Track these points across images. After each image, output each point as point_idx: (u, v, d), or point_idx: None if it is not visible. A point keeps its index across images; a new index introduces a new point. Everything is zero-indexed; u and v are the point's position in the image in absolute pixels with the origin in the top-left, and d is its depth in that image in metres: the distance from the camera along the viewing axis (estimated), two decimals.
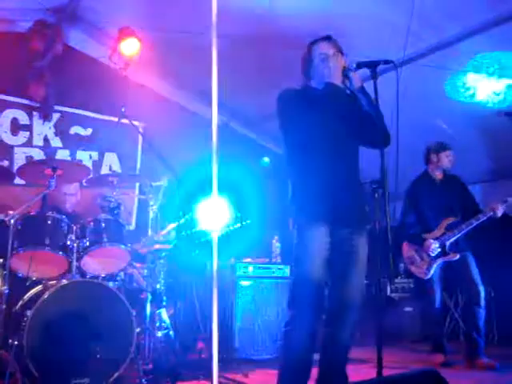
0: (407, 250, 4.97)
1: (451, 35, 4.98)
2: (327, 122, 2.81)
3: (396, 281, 6.67)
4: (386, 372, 2.42)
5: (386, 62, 2.73)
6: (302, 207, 2.86)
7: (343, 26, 4.49)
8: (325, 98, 2.80)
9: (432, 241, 4.74)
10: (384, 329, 2.71)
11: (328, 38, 2.98)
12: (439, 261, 4.75)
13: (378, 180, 2.51)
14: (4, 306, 3.40)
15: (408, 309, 6.52)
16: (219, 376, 3.93)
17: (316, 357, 2.88)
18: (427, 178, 5.05)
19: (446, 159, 4.97)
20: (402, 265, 6.87)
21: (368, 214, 2.90)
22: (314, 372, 2.89)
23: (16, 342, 3.40)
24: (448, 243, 4.72)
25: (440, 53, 5.17)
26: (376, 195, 2.51)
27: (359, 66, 2.79)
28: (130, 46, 5.60)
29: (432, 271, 4.76)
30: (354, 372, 2.96)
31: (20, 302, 3.73)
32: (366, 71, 2.77)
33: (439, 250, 4.73)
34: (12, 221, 3.56)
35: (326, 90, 2.80)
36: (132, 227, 5.81)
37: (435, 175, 5.02)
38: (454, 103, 5.64)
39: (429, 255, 4.76)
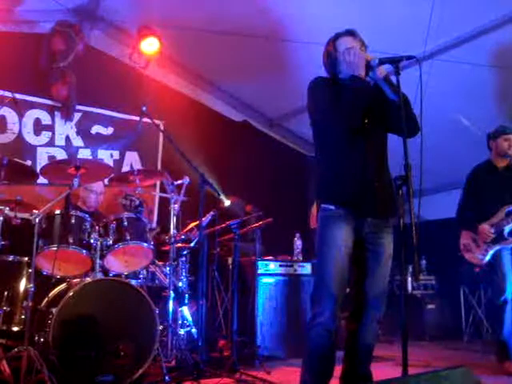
0: (464, 237, 4.78)
1: (472, 29, 4.93)
2: (354, 113, 2.79)
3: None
4: (410, 370, 2.40)
5: (409, 57, 2.69)
6: (328, 199, 2.85)
7: (364, 22, 4.49)
8: (351, 90, 2.78)
9: (486, 226, 4.53)
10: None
11: (350, 32, 2.96)
12: (497, 247, 4.50)
13: (402, 176, 2.48)
14: (30, 304, 3.45)
15: (430, 306, 6.46)
16: (241, 373, 3.98)
17: (340, 354, 2.88)
18: (489, 165, 4.80)
19: (504, 144, 4.65)
20: (423, 261, 6.84)
21: (396, 207, 2.87)
22: (338, 370, 2.88)
23: (42, 339, 3.46)
24: (507, 228, 4.48)
25: (461, 47, 5.12)
26: (400, 192, 2.49)
27: (382, 62, 2.76)
28: (150, 45, 5.66)
29: (488, 256, 4.53)
30: (377, 370, 2.94)
31: (45, 300, 3.77)
32: (387, 66, 2.76)
33: (494, 235, 4.50)
34: (37, 220, 3.60)
35: (351, 82, 2.79)
36: (154, 225, 5.83)
37: (497, 162, 4.75)
38: (474, 99, 5.59)
39: (484, 241, 4.56)
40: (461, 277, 6.28)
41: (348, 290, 2.92)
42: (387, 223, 2.88)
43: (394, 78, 2.70)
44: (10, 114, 5.41)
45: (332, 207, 2.81)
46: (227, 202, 5.71)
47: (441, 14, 4.72)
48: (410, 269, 6.13)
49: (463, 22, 4.88)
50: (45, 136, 5.66)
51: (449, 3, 4.62)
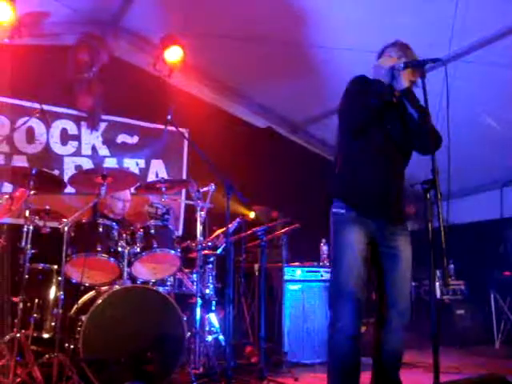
0: None
1: (497, 29, 4.87)
2: (371, 114, 2.81)
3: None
4: (441, 378, 2.35)
5: (434, 60, 2.68)
6: (340, 203, 2.84)
7: (388, 25, 4.48)
8: (373, 94, 2.78)
9: None
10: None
11: (394, 43, 2.98)
12: None
13: (429, 180, 2.45)
14: (60, 311, 3.49)
15: (460, 312, 6.35)
16: (269, 380, 3.97)
17: (368, 361, 2.85)
18: None
19: None
20: (451, 266, 6.74)
21: (405, 214, 2.86)
22: (368, 377, 2.85)
23: (72, 346, 3.50)
24: None
25: (485, 49, 5.06)
26: (428, 196, 2.46)
27: (407, 65, 2.75)
28: (174, 54, 5.69)
29: None
30: (407, 377, 2.90)
31: (75, 307, 3.83)
32: None
33: None
34: (65, 228, 3.65)
35: (375, 86, 2.79)
36: (179, 233, 5.86)
37: None
38: (500, 100, 5.51)
39: None
40: (490, 282, 6.18)
41: (373, 295, 2.90)
42: (402, 226, 2.87)
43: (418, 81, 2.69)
44: (37, 125, 5.49)
45: (342, 211, 2.81)
46: (252, 214, 5.72)
47: (465, 14, 4.66)
48: (438, 274, 6.06)
49: (488, 22, 4.81)
50: (71, 146, 5.73)
51: (473, 3, 4.57)
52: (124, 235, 4.08)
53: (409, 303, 2.85)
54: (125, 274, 3.96)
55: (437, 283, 6.31)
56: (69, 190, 4.92)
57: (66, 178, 4.42)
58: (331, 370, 2.81)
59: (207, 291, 4.70)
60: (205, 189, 4.54)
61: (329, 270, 5.11)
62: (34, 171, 3.70)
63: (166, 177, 5.99)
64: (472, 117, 5.59)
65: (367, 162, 2.84)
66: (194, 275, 4.53)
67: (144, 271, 4.17)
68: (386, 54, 2.96)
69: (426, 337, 2.61)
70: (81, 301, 3.88)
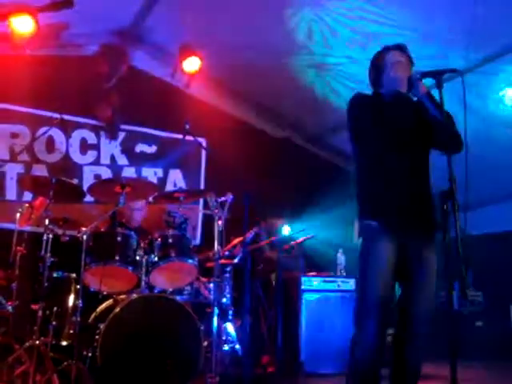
0: None
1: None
2: (397, 129, 2.79)
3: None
4: None
5: (452, 70, 2.67)
6: (371, 216, 2.83)
7: (405, 34, 4.49)
8: (394, 107, 2.78)
9: None
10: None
11: (399, 47, 2.95)
12: None
13: (446, 191, 2.44)
14: (79, 319, 3.53)
15: (478, 323, 6.27)
16: None
17: (385, 372, 2.83)
18: None
19: None
20: (469, 277, 6.66)
21: (438, 223, 2.83)
22: None
23: (90, 354, 3.53)
24: None
25: (500, 60, 5.03)
26: (445, 207, 2.44)
27: (424, 75, 2.74)
28: (192, 64, 5.75)
29: None
30: None
31: (93, 315, 3.86)
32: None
33: None
34: (84, 237, 3.69)
35: (395, 98, 2.78)
36: (197, 242, 5.88)
37: None
38: None
39: None
40: (510, 293, 6.10)
41: (394, 306, 2.88)
42: (431, 238, 2.85)
43: (436, 92, 2.68)
44: (57, 135, 5.57)
45: (375, 223, 2.79)
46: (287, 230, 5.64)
47: (482, 25, 4.65)
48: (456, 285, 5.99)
49: (504, 32, 4.79)
50: (91, 155, 5.80)
51: (490, 14, 4.55)
52: (142, 244, 4.11)
53: (432, 315, 2.83)
54: (142, 283, 3.99)
55: (454, 294, 6.24)
56: (88, 198, 4.97)
57: (85, 187, 4.46)
58: (351, 381, 2.80)
59: (224, 300, 4.70)
60: (222, 198, 4.56)
61: (346, 280, 5.11)
62: (53, 180, 3.75)
63: (183, 186, 6.04)
64: (489, 127, 5.55)
65: (393, 177, 2.81)
66: (211, 284, 4.53)
67: (161, 280, 4.19)
68: (393, 57, 2.90)
69: (443, 348, 2.59)
70: (99, 309, 3.91)
